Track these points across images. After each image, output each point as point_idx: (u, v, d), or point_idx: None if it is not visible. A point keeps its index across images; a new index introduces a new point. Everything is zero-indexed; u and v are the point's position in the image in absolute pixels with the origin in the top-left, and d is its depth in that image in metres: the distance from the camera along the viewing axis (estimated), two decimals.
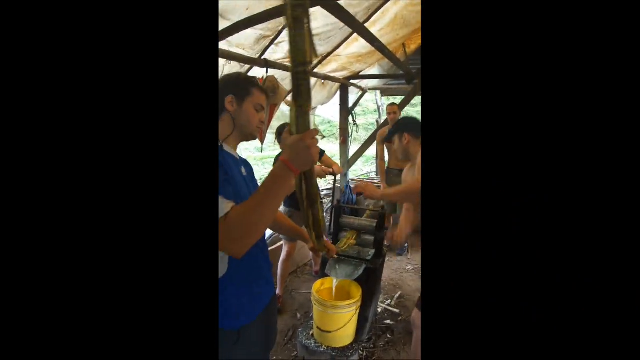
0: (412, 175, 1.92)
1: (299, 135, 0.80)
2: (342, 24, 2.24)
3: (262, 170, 8.59)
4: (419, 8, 2.81)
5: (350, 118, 4.65)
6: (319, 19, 2.45)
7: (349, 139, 4.65)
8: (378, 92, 5.93)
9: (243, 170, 1.13)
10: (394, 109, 3.75)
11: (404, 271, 3.49)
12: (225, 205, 0.86)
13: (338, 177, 2.77)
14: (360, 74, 4.34)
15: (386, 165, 3.89)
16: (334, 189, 2.37)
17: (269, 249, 3.18)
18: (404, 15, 3.13)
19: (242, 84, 1.10)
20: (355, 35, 2.85)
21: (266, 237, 2.95)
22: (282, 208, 2.66)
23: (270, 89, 2.60)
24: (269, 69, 2.57)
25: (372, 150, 6.56)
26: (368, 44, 2.51)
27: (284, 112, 3.87)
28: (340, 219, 2.27)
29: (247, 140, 1.16)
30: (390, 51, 2.75)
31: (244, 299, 1.06)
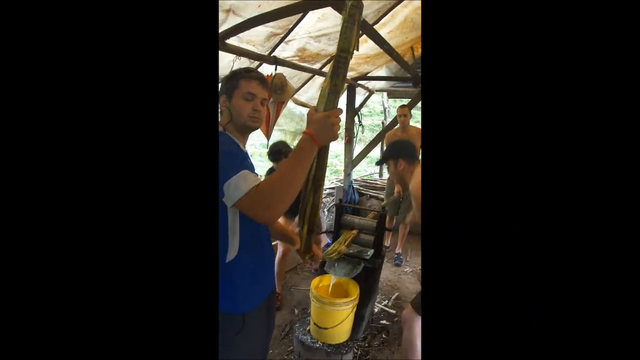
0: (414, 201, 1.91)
1: (326, 112, 0.89)
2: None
3: (267, 165, 8.54)
4: None
5: (356, 118, 4.66)
6: (330, 19, 2.47)
7: (354, 139, 4.66)
8: (385, 93, 5.93)
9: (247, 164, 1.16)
10: (404, 111, 3.65)
11: (402, 273, 3.51)
12: (253, 178, 0.94)
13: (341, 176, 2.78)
14: (368, 75, 4.35)
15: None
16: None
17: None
18: (413, 19, 3.14)
19: (230, 81, 1.14)
20: (364, 36, 2.87)
21: None
22: None
23: (278, 86, 2.62)
24: (278, 67, 2.59)
25: (376, 151, 6.58)
26: (376, 46, 2.52)
27: (291, 110, 3.90)
28: (342, 217, 2.30)
29: (246, 132, 1.18)
30: (398, 54, 2.77)
31: (251, 283, 1.10)
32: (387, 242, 3.81)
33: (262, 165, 8.93)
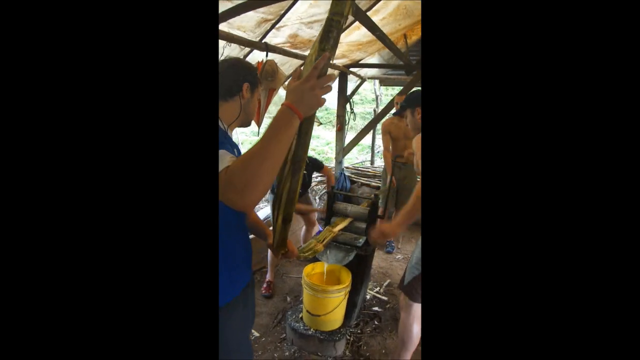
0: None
1: (305, 77, 0.77)
2: None
3: None
4: None
5: (347, 106, 4.64)
6: (322, 5, 2.44)
7: (346, 126, 4.64)
8: (377, 81, 5.92)
9: (236, 152, 1.14)
10: (402, 99, 3.54)
11: (393, 260, 3.55)
12: (228, 158, 0.83)
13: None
14: (360, 62, 4.32)
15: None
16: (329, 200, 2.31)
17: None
18: (407, 6, 3.11)
19: (254, 74, 1.11)
20: (356, 23, 2.84)
21: (263, 219, 2.97)
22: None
23: (269, 72, 2.59)
24: (269, 53, 2.55)
25: (367, 139, 6.57)
26: (369, 33, 2.50)
27: (282, 98, 3.86)
28: (334, 205, 2.30)
29: (244, 126, 1.17)
30: (390, 41, 2.75)
31: (220, 277, 1.01)
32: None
33: None
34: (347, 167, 5.57)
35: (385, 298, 2.81)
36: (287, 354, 2.15)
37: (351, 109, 4.80)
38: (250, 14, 2.23)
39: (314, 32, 2.82)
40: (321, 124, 4.59)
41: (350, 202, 2.38)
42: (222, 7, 1.95)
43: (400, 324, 1.79)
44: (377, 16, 3.06)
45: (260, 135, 0.78)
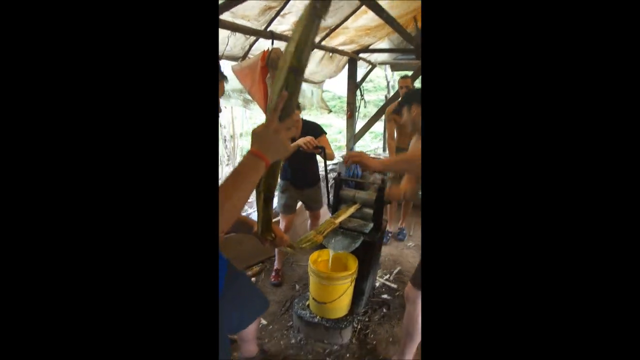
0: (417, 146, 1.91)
1: (266, 121, 0.76)
2: None
3: None
4: None
5: (358, 92, 4.58)
6: None
7: (357, 113, 4.60)
8: (388, 66, 5.82)
9: None
10: (406, 82, 3.40)
11: (404, 247, 3.52)
12: None
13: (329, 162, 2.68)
14: (370, 47, 4.26)
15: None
16: (325, 171, 2.28)
17: (274, 220, 3.21)
18: None
19: None
20: (364, 7, 2.79)
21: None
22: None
23: (275, 61, 2.57)
24: (275, 41, 2.54)
25: (379, 126, 6.50)
26: (377, 17, 2.45)
27: None
28: (340, 191, 2.29)
29: None
30: (399, 24, 2.69)
31: None
32: (389, 222, 3.72)
33: None
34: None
35: (394, 286, 2.80)
36: (293, 341, 2.17)
37: (362, 95, 4.74)
38: (253, 2, 2.21)
39: None
40: (331, 111, 4.55)
41: (362, 189, 2.34)
42: None
43: (406, 316, 1.78)
44: None
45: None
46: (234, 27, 2.25)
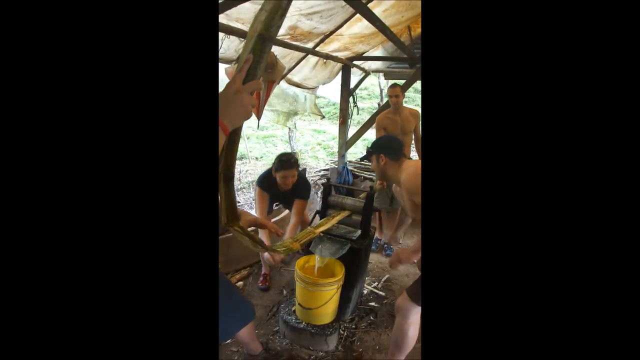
0: (401, 196, 1.87)
1: (229, 82, 0.72)
2: (344, 2, 2.21)
3: (262, 149, 8.58)
4: None
5: (351, 99, 4.60)
6: None
7: (349, 120, 4.61)
8: (381, 74, 5.86)
9: None
10: (396, 91, 3.33)
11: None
12: None
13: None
14: (364, 55, 4.28)
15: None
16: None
17: (273, 220, 3.19)
18: None
19: None
20: (358, 15, 2.80)
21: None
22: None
23: (268, 64, 2.57)
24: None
25: (371, 133, 6.52)
26: (371, 25, 2.46)
27: (283, 90, 3.85)
28: (329, 197, 2.28)
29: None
30: (393, 33, 2.70)
31: None
32: (378, 230, 3.56)
33: (257, 147, 8.92)
34: (350, 161, 5.55)
35: (382, 293, 2.79)
36: (278, 347, 2.15)
37: (354, 102, 4.76)
38: (248, 5, 2.21)
39: (314, 23, 2.79)
40: (323, 117, 4.55)
41: (353, 196, 2.34)
42: None
43: (396, 327, 1.77)
44: (379, 8, 3.02)
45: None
46: (228, 30, 2.25)
